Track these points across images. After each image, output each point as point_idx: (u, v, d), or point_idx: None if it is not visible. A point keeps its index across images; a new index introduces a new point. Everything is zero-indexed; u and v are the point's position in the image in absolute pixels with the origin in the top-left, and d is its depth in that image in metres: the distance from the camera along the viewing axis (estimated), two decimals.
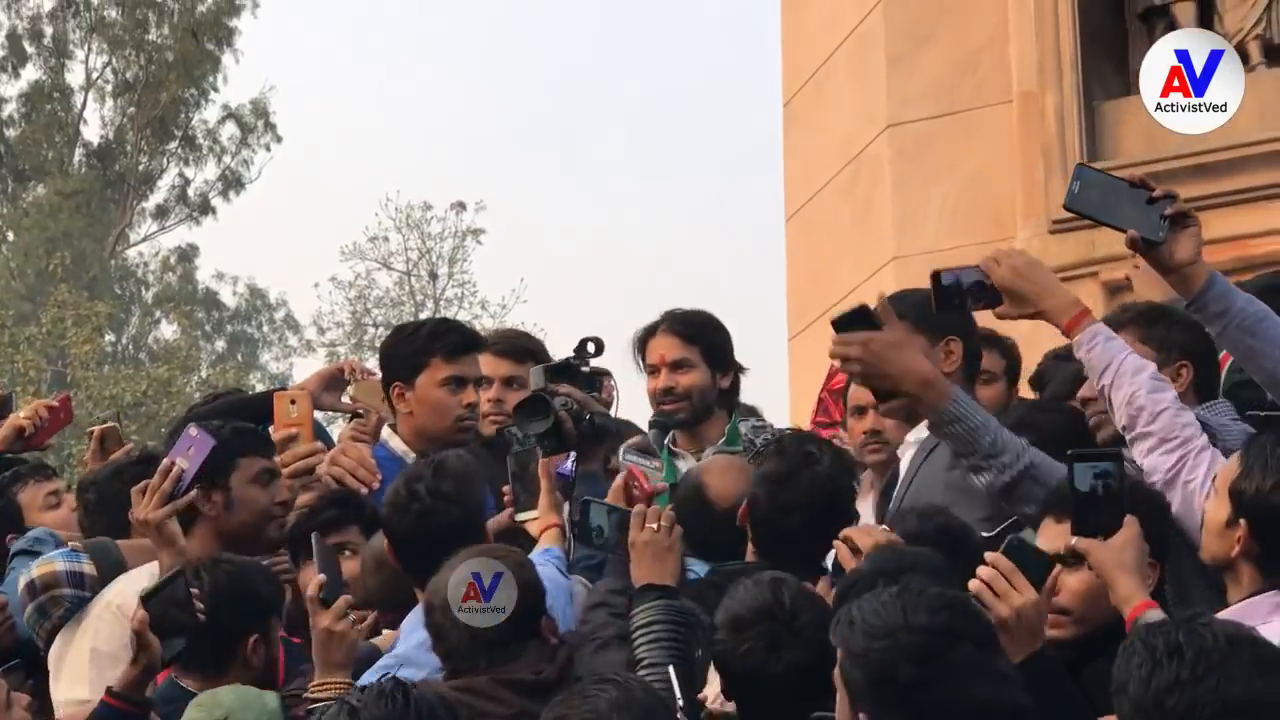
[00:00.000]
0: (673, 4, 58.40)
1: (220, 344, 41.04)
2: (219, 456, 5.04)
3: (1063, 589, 3.97)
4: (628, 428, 6.15)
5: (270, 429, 5.53)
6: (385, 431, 5.73)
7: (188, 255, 41.35)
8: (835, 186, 9.89)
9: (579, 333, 5.52)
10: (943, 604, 3.31)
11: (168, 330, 39.89)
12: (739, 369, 5.93)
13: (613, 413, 5.67)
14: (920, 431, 5.17)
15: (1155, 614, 3.77)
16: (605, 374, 5.64)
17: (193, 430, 5.05)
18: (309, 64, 58.44)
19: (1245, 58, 8.85)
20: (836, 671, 3.32)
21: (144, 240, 40.94)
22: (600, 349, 5.50)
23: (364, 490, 5.33)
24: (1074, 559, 3.95)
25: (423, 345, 5.60)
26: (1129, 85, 9.13)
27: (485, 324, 34.99)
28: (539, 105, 54.65)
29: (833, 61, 10.01)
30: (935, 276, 4.48)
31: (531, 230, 49.92)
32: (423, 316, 33.55)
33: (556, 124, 55.28)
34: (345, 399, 5.93)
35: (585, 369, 5.46)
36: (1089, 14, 8.98)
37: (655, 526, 4.50)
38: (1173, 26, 8.98)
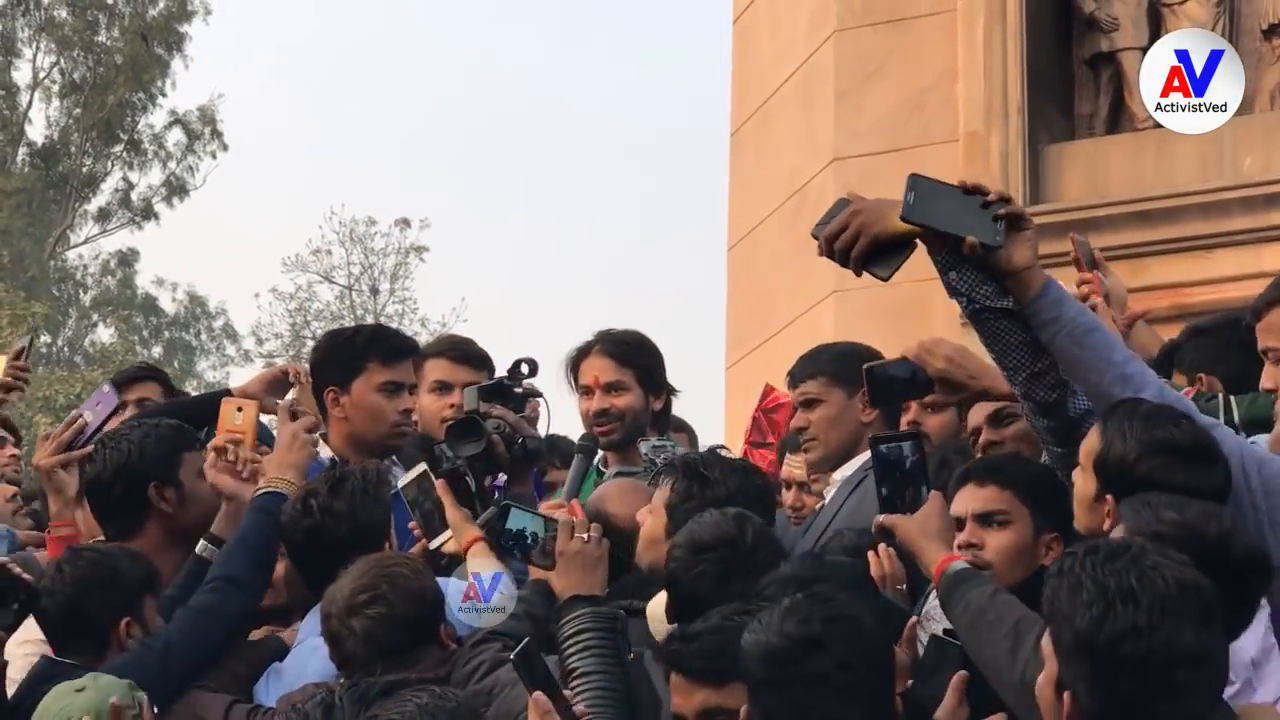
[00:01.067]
0: (623, 21, 58.49)
1: (157, 350, 40.83)
2: (165, 452, 5.04)
3: (985, 547, 4.14)
4: (561, 442, 6.15)
5: (214, 432, 5.48)
6: None
7: (128, 260, 41.18)
8: (779, 217, 9.92)
9: (517, 352, 5.51)
10: (823, 617, 3.47)
11: (104, 334, 39.73)
12: (671, 391, 5.94)
13: (541, 431, 5.65)
14: (845, 471, 5.24)
15: (959, 563, 3.97)
16: (534, 394, 5.61)
17: (105, 387, 5.06)
18: (258, 74, 58.33)
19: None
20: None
21: (85, 242, 40.78)
22: (534, 370, 5.49)
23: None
24: (883, 535, 4.15)
25: (360, 350, 5.54)
26: (1073, 129, 9.23)
27: (425, 340, 34.90)
28: (487, 124, 54.63)
29: (781, 93, 10.05)
30: (868, 370, 4.55)
31: (474, 249, 49.92)
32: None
33: (502, 143, 55.26)
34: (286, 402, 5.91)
35: (518, 390, 5.45)
36: (1036, 57, 9.07)
37: (585, 537, 4.52)
38: (1119, 73, 9.10)
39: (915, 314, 8.83)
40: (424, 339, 35.13)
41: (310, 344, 38.66)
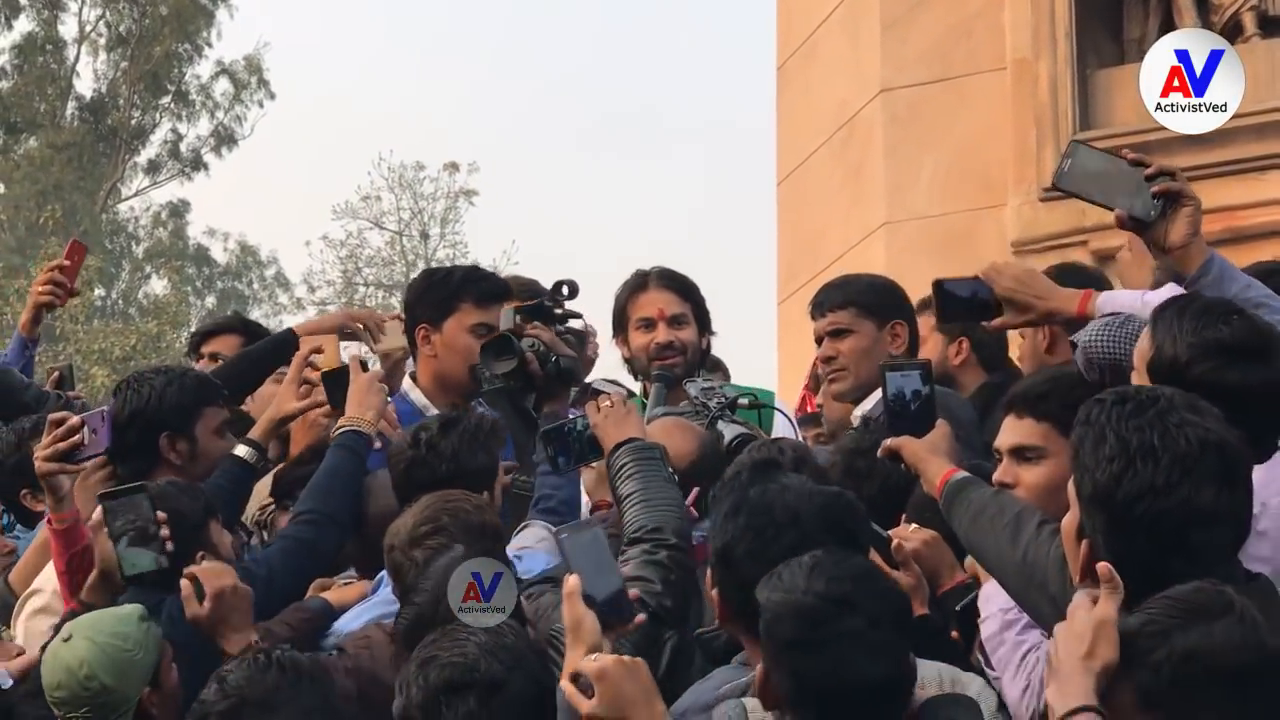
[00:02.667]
0: None
1: (210, 300, 41.01)
2: (185, 403, 5.06)
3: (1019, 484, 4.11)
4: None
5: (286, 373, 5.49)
6: (406, 383, 5.73)
7: (179, 211, 41.31)
8: (827, 151, 9.88)
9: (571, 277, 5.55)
10: (851, 575, 3.45)
11: (158, 285, 39.88)
12: (712, 332, 5.94)
13: (594, 372, 5.66)
14: (865, 406, 5.31)
15: (961, 473, 4.00)
16: (591, 332, 5.63)
17: (105, 411, 5.04)
18: (304, 20, 58.32)
19: (1240, 28, 8.86)
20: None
21: (135, 195, 40.92)
22: (575, 292, 5.53)
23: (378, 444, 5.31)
24: (893, 458, 4.19)
25: (454, 289, 5.58)
26: (1123, 54, 9.14)
27: None
28: (537, 68, 54.52)
29: (827, 25, 10.00)
30: (938, 285, 4.54)
31: (524, 192, 49.90)
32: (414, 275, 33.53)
33: (552, 86, 55.19)
34: (368, 349, 5.94)
35: (559, 311, 5.48)
36: None
37: (609, 403, 4.70)
38: None
39: (965, 244, 8.81)
40: None
41: (362, 290, 38.79)
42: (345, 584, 4.93)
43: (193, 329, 35.65)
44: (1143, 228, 4.12)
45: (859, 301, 5.50)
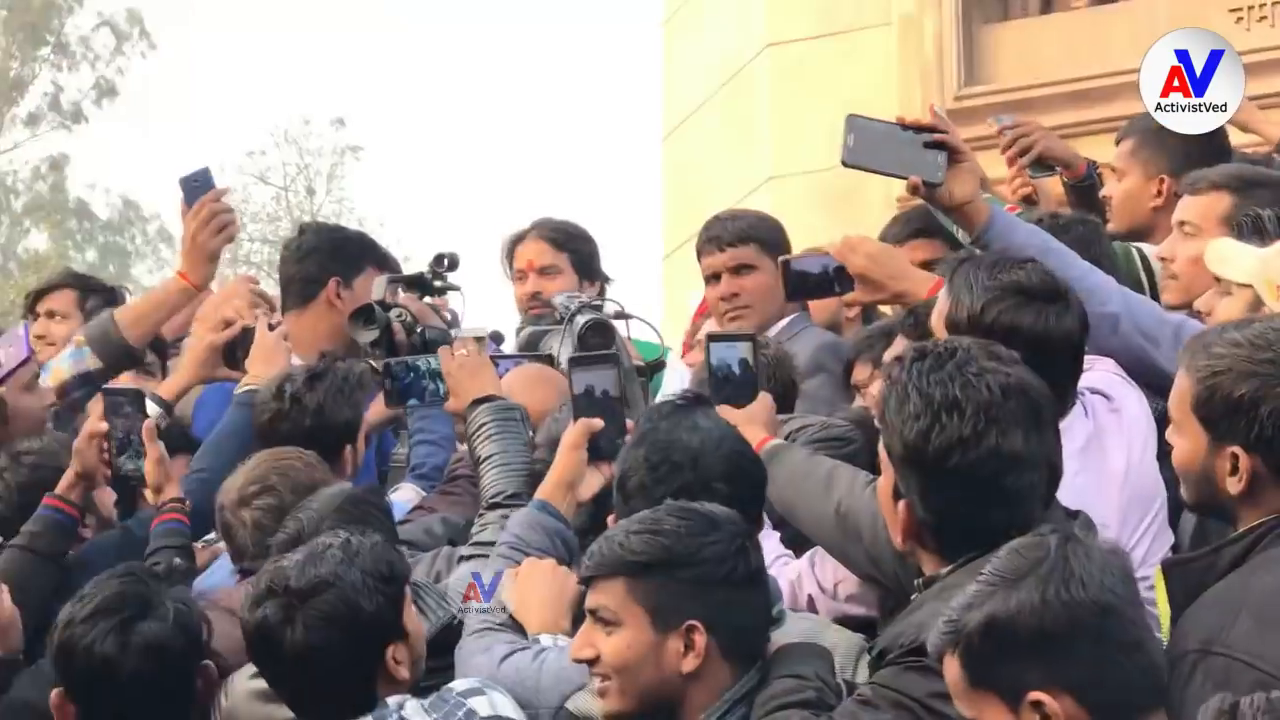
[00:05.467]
0: None
1: (91, 255, 40.45)
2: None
3: None
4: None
5: None
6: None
7: (59, 164, 40.72)
8: (713, 105, 9.86)
9: (454, 249, 5.51)
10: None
11: (38, 240, 39.34)
12: (605, 279, 5.91)
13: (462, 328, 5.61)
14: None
15: (777, 441, 4.07)
16: (452, 288, 5.60)
17: (20, 330, 5.08)
18: None
19: None
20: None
21: (14, 148, 40.28)
22: (455, 264, 5.51)
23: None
24: None
25: (364, 249, 5.65)
26: (1006, 10, 9.18)
27: None
28: (419, 21, 54.15)
29: None
30: (785, 264, 4.53)
31: (409, 148, 49.56)
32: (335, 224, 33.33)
33: (435, 40, 54.79)
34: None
35: (437, 283, 5.45)
36: None
37: (465, 351, 4.68)
38: None
39: (851, 199, 8.80)
40: None
41: (246, 246, 38.41)
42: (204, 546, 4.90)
43: None
44: (932, 190, 4.15)
45: (760, 237, 5.45)
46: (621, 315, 5.28)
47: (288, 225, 38.22)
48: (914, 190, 4.21)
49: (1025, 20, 9.08)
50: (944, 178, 4.16)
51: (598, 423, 4.16)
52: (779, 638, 3.44)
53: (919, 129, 4.22)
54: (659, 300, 9.97)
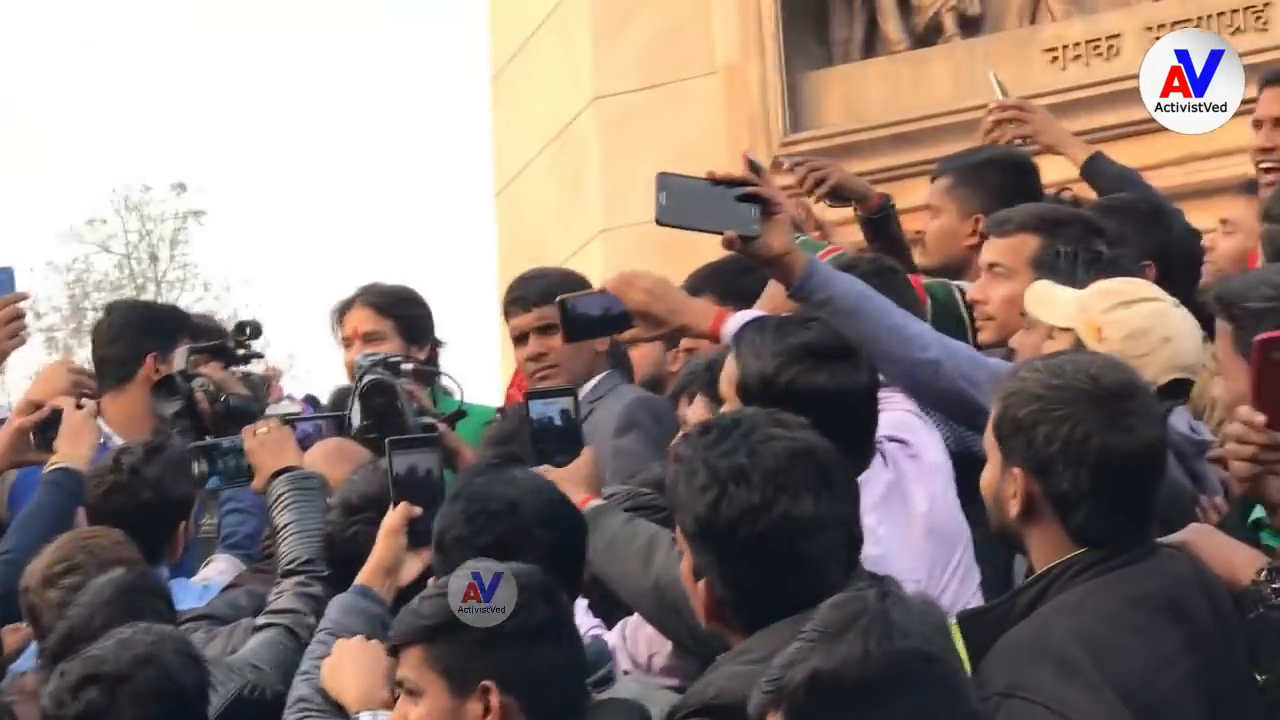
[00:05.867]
0: None
1: None
2: None
3: None
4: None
5: None
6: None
7: None
8: (543, 160, 9.87)
9: (305, 311, 5.52)
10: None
11: None
12: (437, 343, 5.89)
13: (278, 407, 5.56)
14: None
15: (596, 501, 4.00)
16: (257, 355, 5.57)
17: None
18: (26, 35, 56.94)
19: (940, 30, 9.04)
20: None
21: None
22: (257, 332, 5.48)
23: None
24: None
25: (179, 322, 5.69)
26: (830, 56, 9.27)
27: (209, 305, 34.53)
28: (256, 82, 53.83)
29: (539, 35, 9.99)
30: (562, 304, 4.45)
31: (254, 210, 49.25)
32: (144, 299, 33.03)
33: (275, 101, 54.52)
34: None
35: (240, 351, 5.42)
36: None
37: (265, 429, 4.72)
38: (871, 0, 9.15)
39: (684, 249, 8.73)
40: (207, 304, 34.60)
41: (90, 316, 37.93)
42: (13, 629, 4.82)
43: None
44: (748, 244, 4.10)
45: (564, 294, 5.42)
46: (423, 373, 5.27)
47: (131, 293, 37.78)
48: (729, 245, 4.14)
49: (848, 65, 9.17)
50: (759, 230, 4.11)
51: (417, 510, 4.11)
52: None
53: (731, 183, 4.17)
54: (497, 355, 9.95)
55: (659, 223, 4.18)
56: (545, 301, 5.37)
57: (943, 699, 2.72)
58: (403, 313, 5.80)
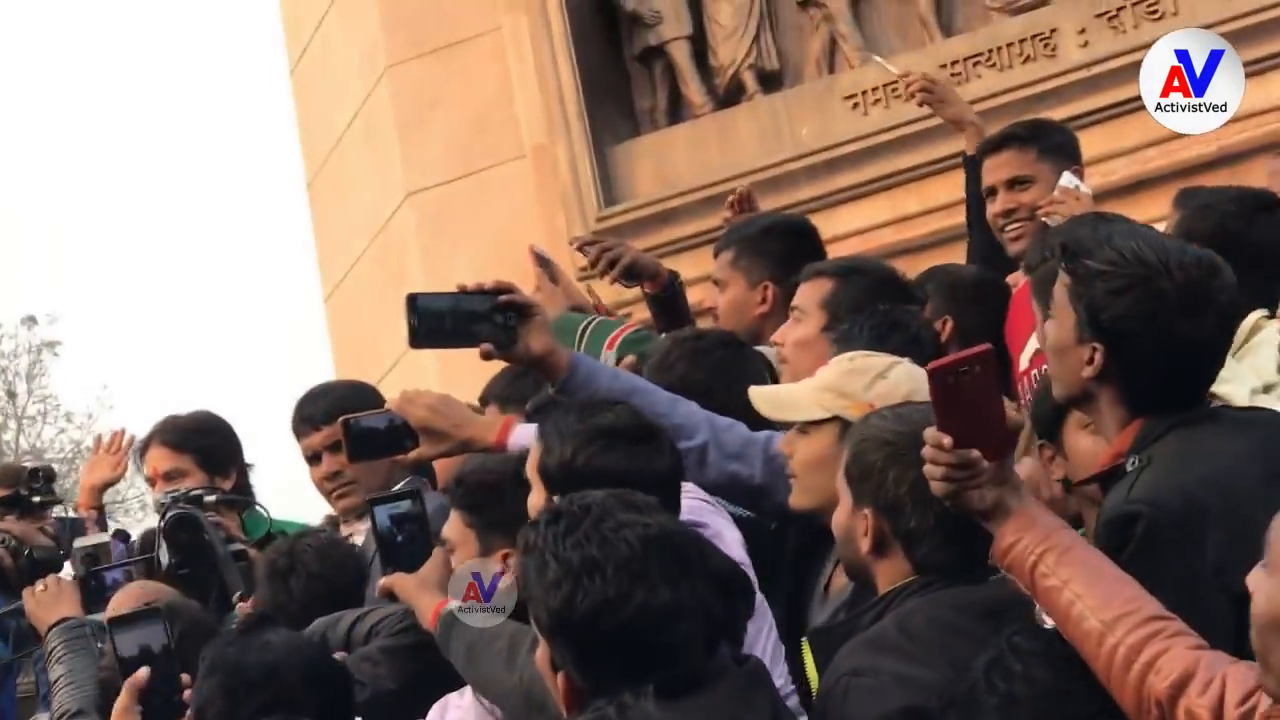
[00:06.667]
0: (184, 92, 57.49)
1: None
2: None
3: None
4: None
5: None
6: None
7: None
8: (367, 261, 9.84)
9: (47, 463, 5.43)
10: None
11: None
12: (245, 466, 5.81)
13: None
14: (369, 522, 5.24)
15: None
16: (56, 501, 5.50)
17: None
18: None
19: (742, 89, 9.11)
20: None
21: None
22: (51, 477, 5.40)
23: None
24: (389, 596, 4.13)
25: None
26: (636, 126, 9.32)
27: (73, 436, 34.18)
28: (86, 211, 53.46)
29: (347, 137, 9.98)
30: (345, 424, 4.43)
31: (110, 336, 48.80)
32: (5, 437, 32.66)
33: (111, 228, 54.16)
34: None
35: (35, 499, 5.35)
36: (588, 61, 9.10)
37: (43, 587, 4.76)
38: (670, 65, 9.21)
39: None
40: (70, 435, 34.19)
41: None
42: None
43: None
44: (507, 350, 4.11)
45: (352, 409, 5.31)
46: (229, 501, 5.21)
47: None
48: (487, 356, 4.14)
49: (655, 134, 9.22)
50: (518, 336, 4.10)
51: (143, 674, 4.02)
52: None
53: (483, 293, 4.16)
54: None
55: (412, 345, 4.18)
56: (333, 420, 5.33)
57: None
58: (200, 444, 5.70)
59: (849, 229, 8.49)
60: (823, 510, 3.64)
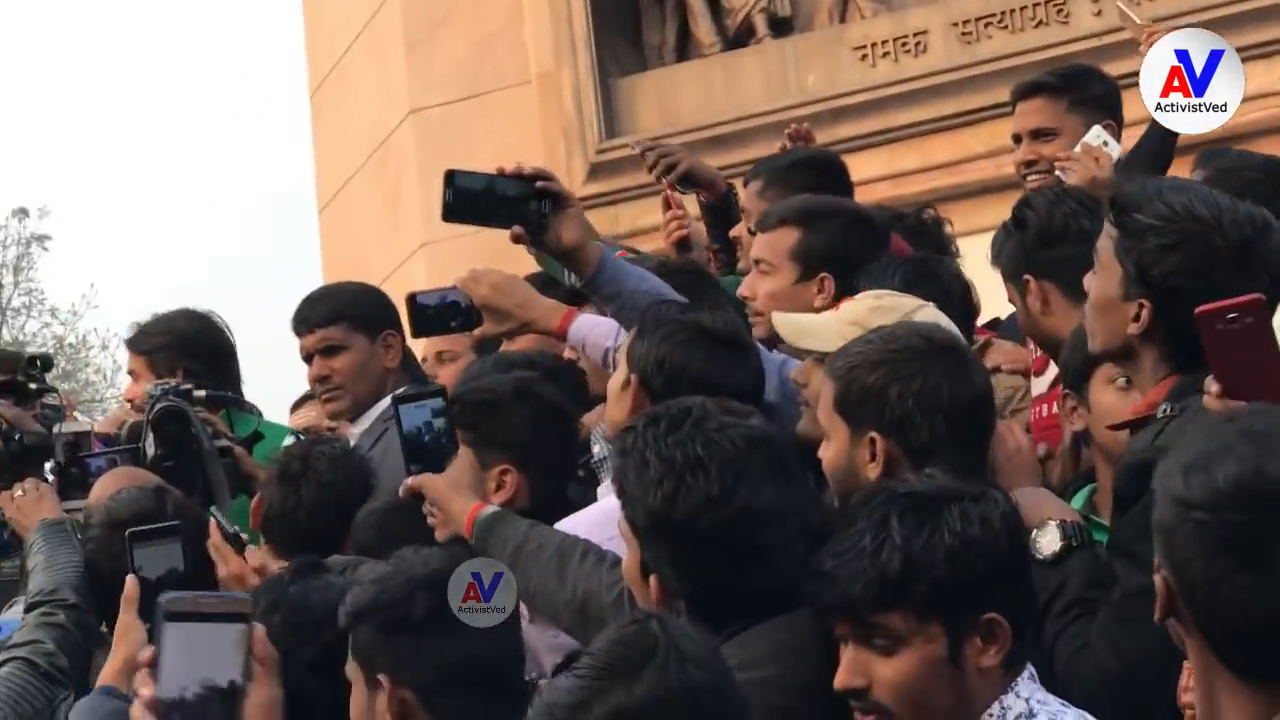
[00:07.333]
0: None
1: None
2: None
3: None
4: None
5: None
6: None
7: None
8: (364, 175, 9.84)
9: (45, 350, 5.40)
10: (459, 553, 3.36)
11: None
12: (235, 366, 5.76)
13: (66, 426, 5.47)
14: (363, 424, 5.27)
15: (490, 508, 3.83)
16: (50, 389, 5.47)
17: None
18: None
19: (752, 31, 9.09)
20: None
21: None
22: (48, 365, 5.38)
23: None
24: (414, 498, 3.96)
25: None
26: (643, 60, 9.30)
27: (56, 331, 34.13)
28: (87, 103, 53.21)
29: (354, 50, 9.96)
30: (411, 299, 4.45)
31: (100, 233, 48.68)
32: None
33: (108, 122, 53.94)
34: None
35: (32, 386, 5.33)
36: None
37: (20, 492, 4.71)
38: (681, 3, 9.18)
39: (505, 259, 8.74)
40: (55, 329, 34.21)
41: None
42: None
43: None
44: (538, 237, 4.12)
45: (350, 314, 5.35)
46: (217, 399, 5.19)
47: None
48: (518, 239, 4.14)
49: (661, 70, 9.20)
50: (549, 224, 4.10)
51: (133, 585, 3.95)
52: None
53: (520, 178, 4.18)
54: None
55: (445, 219, 4.20)
56: (327, 323, 5.33)
57: None
58: (153, 347, 5.68)
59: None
60: None
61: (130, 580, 3.97)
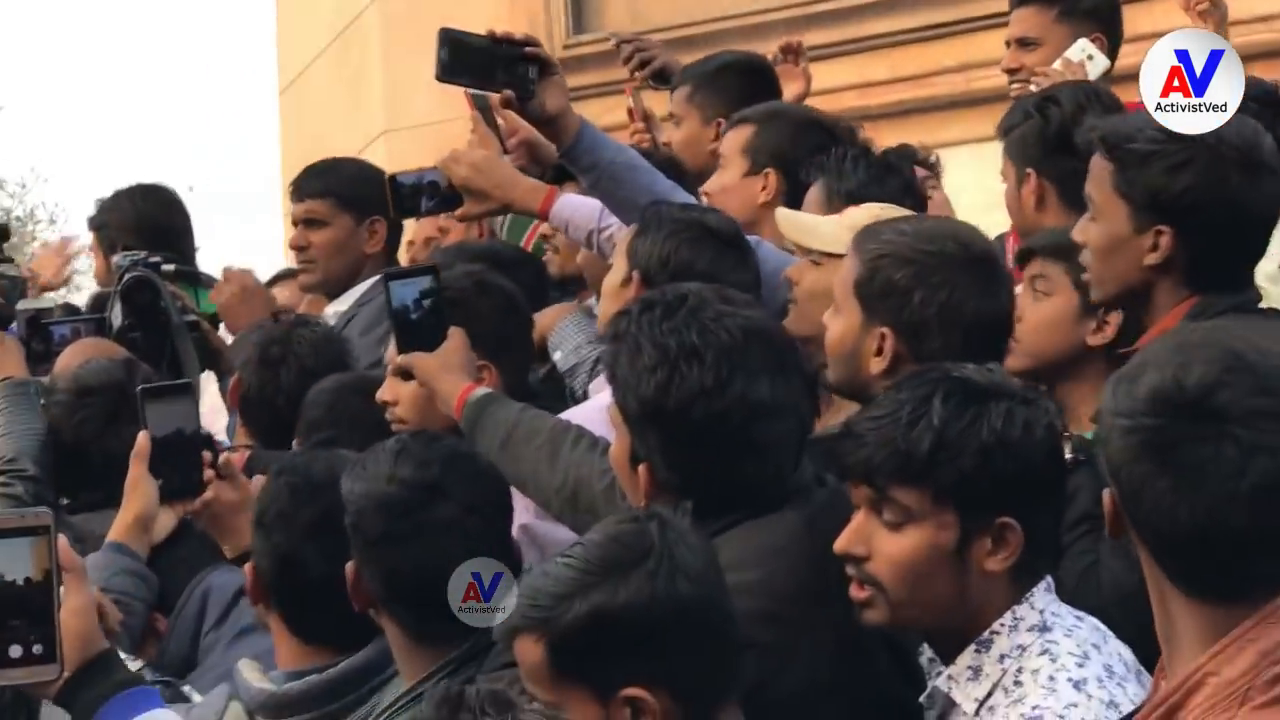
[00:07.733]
0: None
1: None
2: None
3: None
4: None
5: None
6: None
7: None
8: (327, 59, 9.74)
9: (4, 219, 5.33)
10: (440, 459, 3.10)
11: None
12: (191, 242, 5.73)
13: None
14: (340, 305, 5.23)
15: (481, 389, 3.68)
16: (4, 260, 5.41)
17: None
18: None
19: None
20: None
21: None
22: (5, 235, 5.31)
23: None
24: (404, 375, 3.82)
25: None
26: None
27: (4, 203, 33.91)
28: None
29: None
30: (391, 179, 4.46)
31: (49, 105, 48.21)
32: None
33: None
34: None
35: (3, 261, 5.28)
36: None
37: None
38: None
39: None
40: (3, 201, 34.03)
41: None
42: None
43: None
44: (525, 103, 4.15)
45: (340, 192, 5.33)
46: (185, 273, 5.16)
47: None
48: (506, 103, 4.18)
49: None
50: (535, 90, 4.14)
51: (144, 441, 3.91)
52: None
53: (511, 43, 4.22)
54: (279, 251, 9.83)
55: (438, 79, 4.23)
56: (315, 196, 5.31)
57: (711, 642, 2.66)
58: (102, 222, 5.65)
59: (814, 88, 8.43)
60: (814, 340, 3.48)
61: (142, 436, 3.91)
